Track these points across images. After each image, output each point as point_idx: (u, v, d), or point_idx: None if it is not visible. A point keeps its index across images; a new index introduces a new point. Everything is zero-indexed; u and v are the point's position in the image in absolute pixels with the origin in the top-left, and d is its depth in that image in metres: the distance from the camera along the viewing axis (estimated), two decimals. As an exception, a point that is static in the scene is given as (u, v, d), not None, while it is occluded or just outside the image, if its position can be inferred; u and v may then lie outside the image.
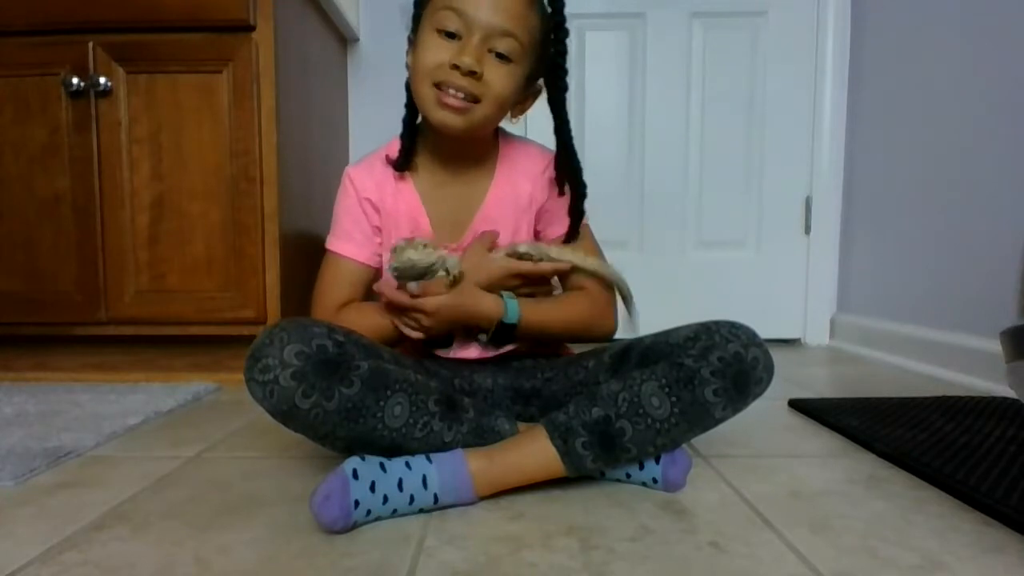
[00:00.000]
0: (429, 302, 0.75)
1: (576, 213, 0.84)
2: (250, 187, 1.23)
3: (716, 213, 1.78)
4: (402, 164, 0.81)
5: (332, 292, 0.83)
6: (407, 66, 0.79)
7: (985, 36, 1.24)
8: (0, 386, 1.18)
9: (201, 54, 1.22)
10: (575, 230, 0.85)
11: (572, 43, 0.82)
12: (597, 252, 0.87)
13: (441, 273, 0.75)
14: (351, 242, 0.84)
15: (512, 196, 0.84)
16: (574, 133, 0.83)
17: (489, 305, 0.78)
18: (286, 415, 0.61)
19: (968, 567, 0.53)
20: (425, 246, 0.74)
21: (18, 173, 1.25)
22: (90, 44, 1.22)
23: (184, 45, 1.22)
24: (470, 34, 0.72)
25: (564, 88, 0.81)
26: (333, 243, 0.85)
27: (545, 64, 0.80)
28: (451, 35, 0.73)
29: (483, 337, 0.81)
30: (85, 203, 1.25)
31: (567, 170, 0.83)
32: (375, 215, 0.83)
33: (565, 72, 0.80)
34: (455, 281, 0.75)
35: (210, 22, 1.21)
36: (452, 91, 0.73)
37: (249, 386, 0.61)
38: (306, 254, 1.38)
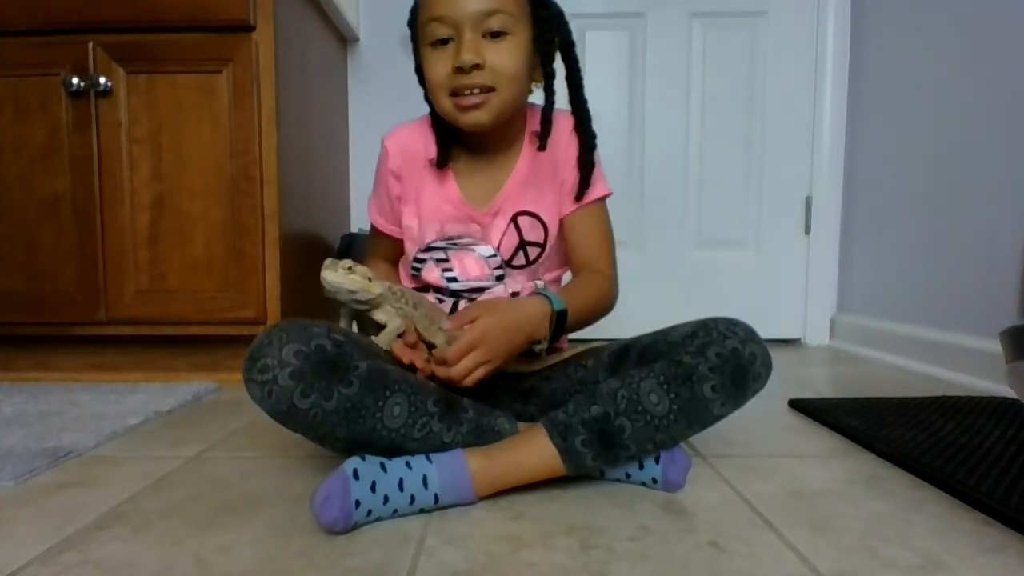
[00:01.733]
0: (472, 331, 0.68)
1: (585, 165, 0.83)
2: (250, 187, 1.23)
3: (716, 213, 1.78)
4: (441, 162, 0.82)
5: (368, 259, 0.91)
6: (416, 74, 0.81)
7: (985, 36, 1.24)
8: (0, 386, 1.18)
9: (201, 54, 1.22)
10: (585, 182, 0.84)
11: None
12: (606, 239, 0.86)
13: (410, 309, 0.73)
14: (379, 212, 0.89)
15: (538, 161, 0.84)
16: None
17: (533, 305, 0.73)
18: (285, 415, 0.61)
19: (968, 567, 0.53)
20: (349, 269, 0.68)
21: (18, 173, 1.25)
22: (90, 44, 1.22)
23: (184, 45, 1.22)
24: (459, 32, 0.73)
25: (555, 36, 0.80)
26: (369, 207, 0.91)
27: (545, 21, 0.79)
28: (445, 42, 0.74)
29: (543, 344, 0.74)
30: (85, 203, 1.24)
31: (575, 119, 0.84)
32: (396, 185, 0.85)
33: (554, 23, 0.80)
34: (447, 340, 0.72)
35: (210, 22, 1.21)
36: (467, 92, 0.74)
37: (248, 387, 0.61)
38: (306, 254, 1.38)
